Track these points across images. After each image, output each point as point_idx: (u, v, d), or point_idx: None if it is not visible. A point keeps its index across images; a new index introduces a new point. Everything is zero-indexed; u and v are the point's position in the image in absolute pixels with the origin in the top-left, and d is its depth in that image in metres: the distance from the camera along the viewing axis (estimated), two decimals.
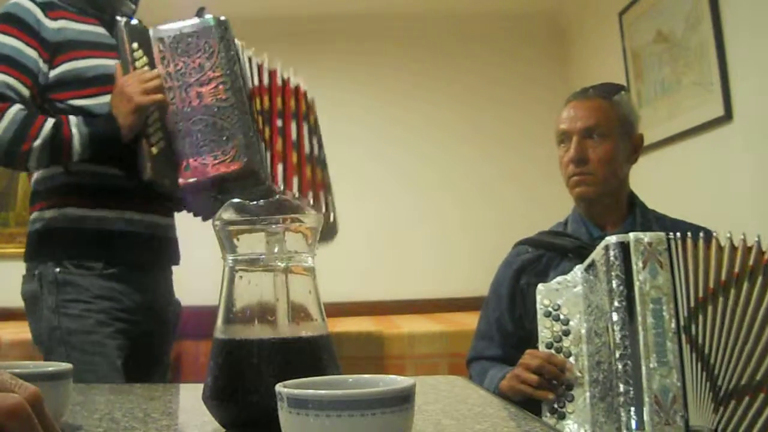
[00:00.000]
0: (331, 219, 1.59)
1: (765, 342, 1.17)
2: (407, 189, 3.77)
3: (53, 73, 1.49)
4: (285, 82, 1.59)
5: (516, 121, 3.78)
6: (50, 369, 0.70)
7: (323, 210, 1.55)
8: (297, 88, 1.61)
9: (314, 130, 1.62)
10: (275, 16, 3.57)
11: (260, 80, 1.54)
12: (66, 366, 0.72)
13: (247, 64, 1.52)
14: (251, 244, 0.69)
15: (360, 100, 3.70)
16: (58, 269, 1.52)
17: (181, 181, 1.44)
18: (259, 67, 1.55)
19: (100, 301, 1.50)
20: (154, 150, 1.45)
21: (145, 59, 1.48)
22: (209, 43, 1.46)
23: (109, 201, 1.52)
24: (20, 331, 2.92)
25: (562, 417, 1.27)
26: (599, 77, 3.35)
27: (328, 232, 1.61)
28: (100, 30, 1.57)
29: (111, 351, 1.48)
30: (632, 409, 1.16)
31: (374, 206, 3.70)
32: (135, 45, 1.48)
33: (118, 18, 1.52)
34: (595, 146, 1.52)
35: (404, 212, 3.74)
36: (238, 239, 0.69)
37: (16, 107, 1.43)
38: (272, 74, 1.57)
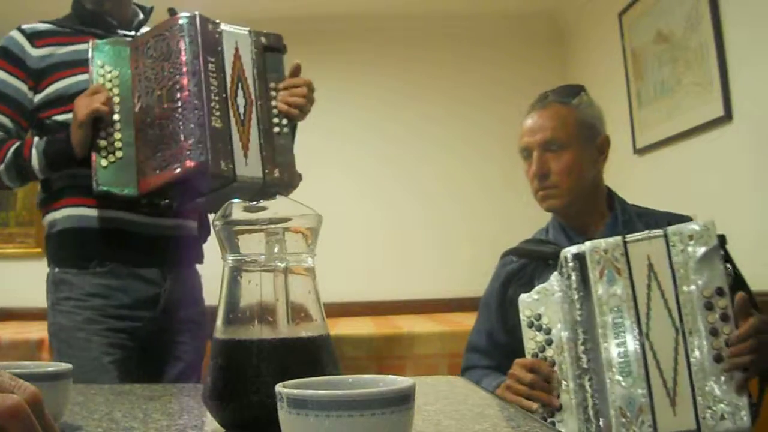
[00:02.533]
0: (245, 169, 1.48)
1: (670, 332, 1.17)
2: (407, 189, 3.77)
3: (39, 96, 1.58)
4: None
5: (516, 121, 3.78)
6: (50, 369, 0.70)
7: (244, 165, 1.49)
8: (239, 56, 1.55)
9: (242, 83, 1.53)
10: (275, 17, 3.56)
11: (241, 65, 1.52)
12: (66, 366, 0.72)
13: (231, 55, 1.50)
14: (251, 244, 0.69)
15: (361, 101, 3.71)
16: (57, 269, 1.59)
17: (140, 188, 1.45)
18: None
19: (92, 298, 1.54)
20: (104, 162, 1.46)
21: (115, 72, 1.51)
22: (171, 44, 1.46)
23: (100, 201, 1.54)
24: (20, 331, 2.93)
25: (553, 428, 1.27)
26: (599, 77, 3.37)
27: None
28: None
29: (96, 347, 1.51)
30: (600, 420, 1.15)
31: (374, 206, 3.70)
32: (99, 62, 1.52)
33: (92, 41, 1.55)
34: (556, 158, 1.49)
35: (404, 212, 3.74)
36: (238, 239, 0.69)
37: None
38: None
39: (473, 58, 3.86)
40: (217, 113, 1.43)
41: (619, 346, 1.16)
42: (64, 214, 1.57)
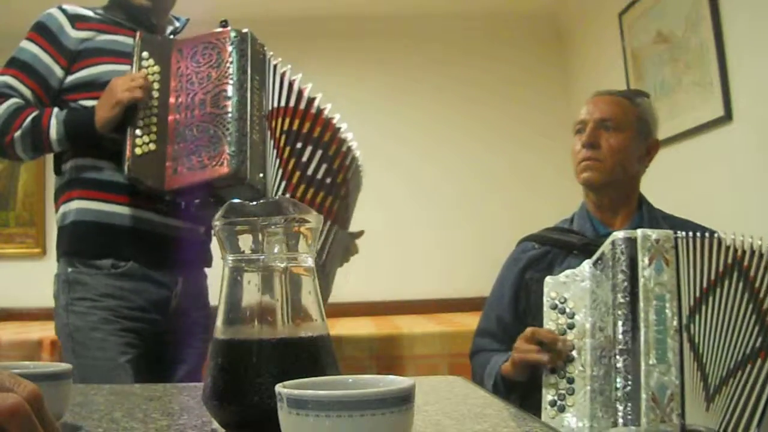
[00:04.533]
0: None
1: (746, 338, 1.18)
2: (408, 188, 3.77)
3: (71, 77, 1.58)
4: (319, 111, 1.63)
5: (516, 121, 3.78)
6: (50, 369, 0.70)
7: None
8: (329, 120, 1.65)
9: (328, 158, 1.64)
10: (277, 17, 3.57)
11: (289, 101, 1.58)
12: (66, 366, 0.72)
13: (273, 80, 1.55)
14: (251, 244, 0.69)
15: (361, 98, 3.70)
16: (70, 269, 1.58)
17: (167, 184, 1.45)
18: (290, 86, 1.59)
19: (107, 299, 1.55)
20: (138, 151, 1.47)
21: (156, 68, 1.53)
22: (221, 54, 1.49)
23: (117, 196, 1.56)
24: (20, 331, 2.93)
25: (561, 410, 1.28)
26: (599, 77, 3.37)
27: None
28: (130, 41, 1.60)
29: (113, 347, 1.52)
30: (629, 404, 1.16)
31: (374, 205, 3.68)
32: (145, 54, 1.54)
33: (139, 33, 1.57)
34: (608, 136, 1.54)
35: (404, 211, 3.74)
36: (238, 239, 0.69)
37: (10, 101, 1.52)
38: (307, 100, 1.61)
39: (473, 58, 3.86)
40: (257, 127, 1.48)
41: (659, 333, 1.18)
42: (78, 205, 1.57)
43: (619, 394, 1.17)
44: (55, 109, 1.53)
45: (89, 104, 1.54)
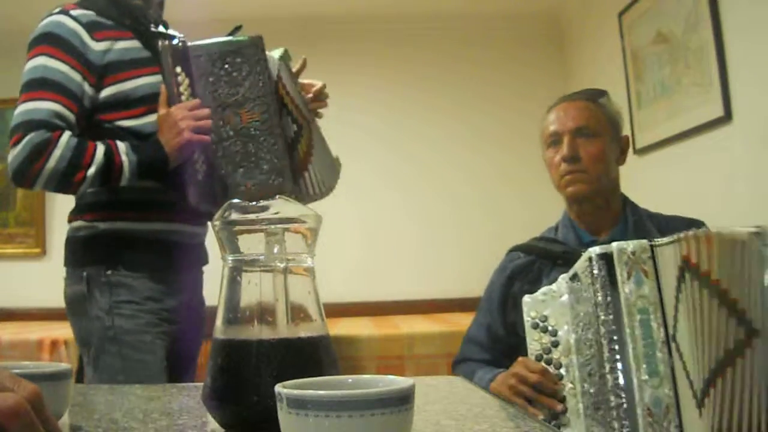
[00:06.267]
0: (310, 187, 1.58)
1: (722, 333, 1.15)
2: (407, 190, 3.77)
3: (101, 95, 1.50)
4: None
5: (514, 121, 3.78)
6: (50, 369, 0.70)
7: (305, 185, 1.56)
8: (279, 78, 1.56)
9: (286, 108, 1.56)
10: (275, 17, 3.57)
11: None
12: (66, 366, 0.72)
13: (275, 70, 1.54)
14: (251, 244, 0.69)
15: (357, 102, 3.70)
16: (109, 271, 1.53)
17: (220, 203, 1.46)
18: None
19: (149, 302, 1.55)
20: (200, 176, 1.48)
21: (187, 80, 1.49)
22: (246, 64, 1.46)
23: (155, 214, 1.57)
24: (20, 331, 2.93)
25: (556, 428, 1.27)
26: (599, 78, 3.37)
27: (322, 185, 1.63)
28: (137, 44, 1.56)
29: (159, 350, 1.53)
30: (625, 422, 1.15)
31: (373, 207, 3.70)
32: (178, 69, 1.48)
33: (163, 42, 1.50)
34: (586, 145, 1.52)
35: (403, 213, 3.74)
36: (237, 239, 0.69)
37: (67, 135, 1.44)
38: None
39: (472, 58, 3.86)
40: (281, 136, 1.49)
41: (647, 347, 1.16)
42: (111, 225, 1.56)
43: (615, 413, 1.16)
44: (120, 144, 1.47)
45: (127, 124, 1.52)
